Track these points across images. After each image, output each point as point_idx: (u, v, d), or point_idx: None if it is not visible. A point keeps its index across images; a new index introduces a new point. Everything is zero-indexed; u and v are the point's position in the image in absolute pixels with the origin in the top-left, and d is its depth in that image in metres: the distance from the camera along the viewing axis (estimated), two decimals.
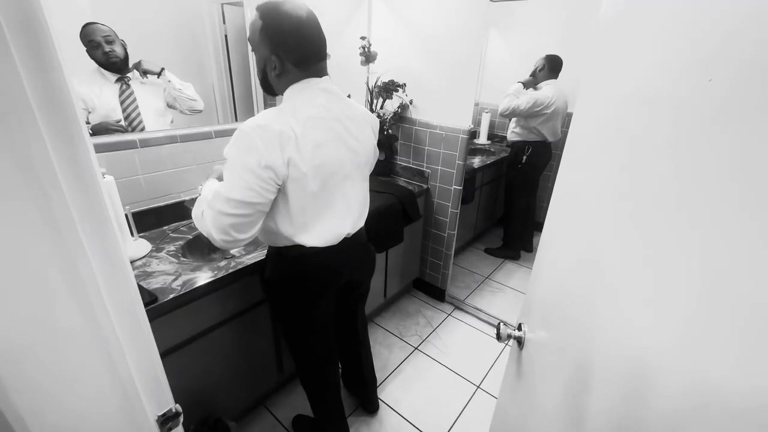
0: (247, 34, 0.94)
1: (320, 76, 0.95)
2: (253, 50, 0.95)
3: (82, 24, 1.19)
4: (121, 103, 1.31)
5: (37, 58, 0.35)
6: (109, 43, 1.25)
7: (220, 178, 1.10)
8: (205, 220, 0.89)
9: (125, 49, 1.29)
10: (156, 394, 0.58)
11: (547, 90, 2.32)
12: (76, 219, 0.41)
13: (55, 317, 0.42)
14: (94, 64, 1.25)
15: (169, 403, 0.60)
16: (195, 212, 0.96)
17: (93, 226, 0.44)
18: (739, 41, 0.33)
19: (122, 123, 1.32)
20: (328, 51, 0.98)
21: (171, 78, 1.38)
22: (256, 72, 0.98)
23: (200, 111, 1.49)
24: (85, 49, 1.22)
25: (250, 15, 1.52)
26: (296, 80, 0.93)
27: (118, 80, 1.31)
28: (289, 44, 0.88)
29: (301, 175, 0.89)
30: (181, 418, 0.61)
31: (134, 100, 1.33)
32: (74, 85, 1.22)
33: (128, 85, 1.33)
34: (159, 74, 1.36)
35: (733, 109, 0.34)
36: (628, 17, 0.49)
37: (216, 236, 0.88)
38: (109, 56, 1.26)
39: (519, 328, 0.80)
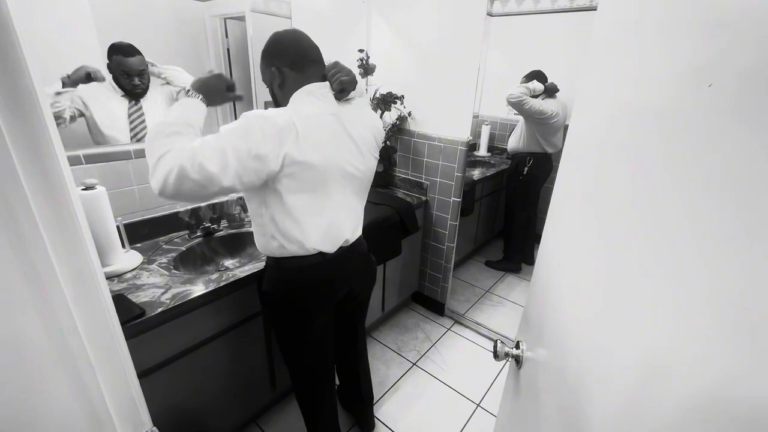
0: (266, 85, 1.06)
1: (319, 81, 0.98)
2: (270, 89, 1.05)
3: (117, 44, 1.20)
4: (129, 116, 1.32)
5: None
6: (140, 75, 1.27)
7: (190, 87, 0.99)
8: (162, 164, 0.78)
9: (148, 76, 1.32)
10: (131, 415, 0.54)
11: (550, 104, 2.34)
12: (43, 232, 0.39)
13: (18, 334, 0.40)
14: (108, 77, 1.24)
15: (145, 426, 0.57)
16: (155, 136, 0.83)
17: (63, 239, 0.41)
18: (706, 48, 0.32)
19: (116, 130, 1.30)
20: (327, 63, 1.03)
21: (153, 62, 1.34)
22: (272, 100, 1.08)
23: None
24: (107, 64, 1.21)
25: (251, 30, 1.54)
26: (298, 86, 0.96)
27: (126, 95, 1.31)
28: (280, 51, 0.97)
29: (298, 169, 0.88)
30: None
31: (142, 114, 1.34)
32: (80, 88, 1.20)
33: (137, 101, 1.33)
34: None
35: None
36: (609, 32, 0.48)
37: (160, 184, 0.77)
38: (135, 87, 1.29)
39: (517, 346, 0.77)
